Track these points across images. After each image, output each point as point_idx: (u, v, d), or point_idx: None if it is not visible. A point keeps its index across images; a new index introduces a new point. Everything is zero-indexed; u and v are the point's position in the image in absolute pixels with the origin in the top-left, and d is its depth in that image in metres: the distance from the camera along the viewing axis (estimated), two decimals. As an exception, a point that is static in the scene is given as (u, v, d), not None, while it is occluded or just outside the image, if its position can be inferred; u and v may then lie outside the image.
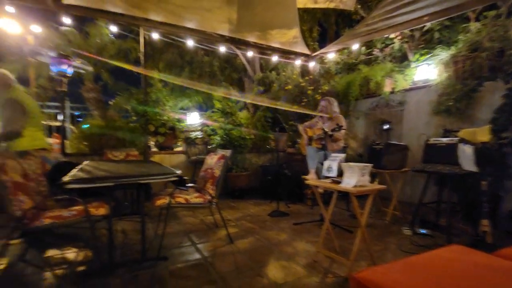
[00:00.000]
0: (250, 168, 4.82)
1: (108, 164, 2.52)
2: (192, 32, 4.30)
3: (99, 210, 1.93)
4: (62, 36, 4.74)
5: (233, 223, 3.29)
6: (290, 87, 5.12)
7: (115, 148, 3.98)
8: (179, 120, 4.99)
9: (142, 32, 4.15)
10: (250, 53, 5.00)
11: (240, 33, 4.24)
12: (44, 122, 4.75)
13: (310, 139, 3.41)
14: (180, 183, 2.34)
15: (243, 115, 5.27)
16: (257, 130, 5.21)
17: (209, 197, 2.58)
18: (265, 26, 4.00)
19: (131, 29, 4.75)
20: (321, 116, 3.50)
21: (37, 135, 2.62)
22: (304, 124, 3.67)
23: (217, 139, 4.91)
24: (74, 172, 1.96)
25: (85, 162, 2.53)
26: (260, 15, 3.71)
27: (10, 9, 3.27)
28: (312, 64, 5.30)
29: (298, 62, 5.23)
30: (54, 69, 3.63)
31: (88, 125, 4.26)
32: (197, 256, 2.37)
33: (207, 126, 5.11)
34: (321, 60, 5.58)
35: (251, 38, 4.51)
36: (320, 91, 4.93)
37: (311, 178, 3.15)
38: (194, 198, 2.56)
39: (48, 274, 1.95)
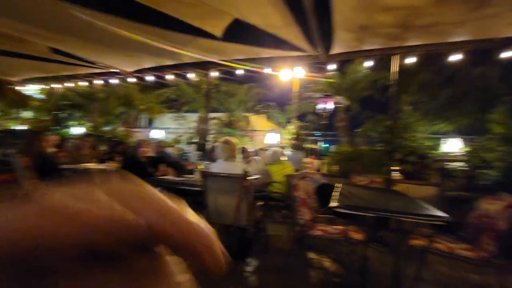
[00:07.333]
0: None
1: (362, 191, 2.70)
2: (459, 44, 3.65)
3: (357, 235, 2.10)
4: (326, 80, 5.92)
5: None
6: None
7: (360, 173, 4.20)
8: (431, 148, 4.35)
9: (394, 59, 4.16)
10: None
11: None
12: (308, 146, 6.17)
13: None
14: (445, 228, 2.00)
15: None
16: None
17: (485, 254, 1.96)
18: None
19: (382, 59, 4.92)
20: None
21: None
22: None
23: (490, 174, 3.68)
24: (336, 195, 2.28)
25: (340, 186, 2.86)
26: None
27: (299, 69, 4.62)
28: None
29: None
30: (319, 107, 4.60)
31: (327, 147, 4.81)
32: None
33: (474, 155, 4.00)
34: None
35: None
36: None
37: None
38: (461, 249, 2.05)
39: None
